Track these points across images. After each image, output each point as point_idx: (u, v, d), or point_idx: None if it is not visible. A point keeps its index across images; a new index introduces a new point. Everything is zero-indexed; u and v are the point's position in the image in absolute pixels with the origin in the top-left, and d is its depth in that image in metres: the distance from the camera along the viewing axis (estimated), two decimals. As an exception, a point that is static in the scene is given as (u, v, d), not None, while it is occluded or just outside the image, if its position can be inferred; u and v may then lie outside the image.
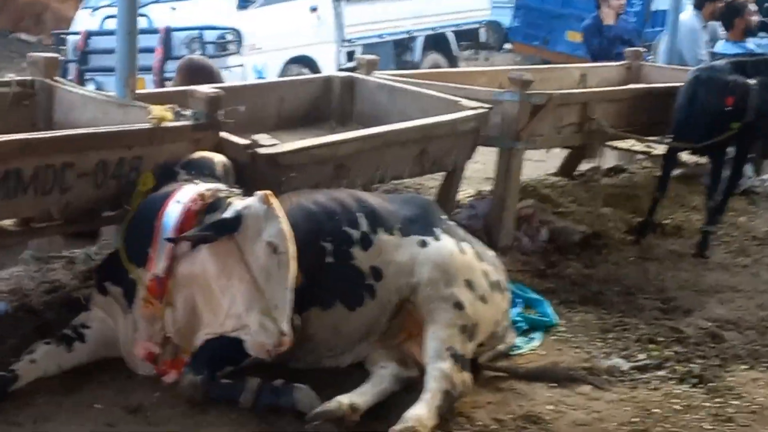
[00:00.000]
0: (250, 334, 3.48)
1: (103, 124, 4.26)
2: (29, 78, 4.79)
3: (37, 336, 3.82)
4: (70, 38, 9.50)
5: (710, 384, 4.19)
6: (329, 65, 9.81)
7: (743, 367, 4.42)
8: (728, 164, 6.23)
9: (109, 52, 8.10)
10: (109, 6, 9.02)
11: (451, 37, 11.87)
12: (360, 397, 3.63)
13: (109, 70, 8.12)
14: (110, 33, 7.94)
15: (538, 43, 13.75)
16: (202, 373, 3.58)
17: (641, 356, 4.45)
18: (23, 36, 13.61)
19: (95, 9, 9.73)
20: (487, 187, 6.06)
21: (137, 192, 3.94)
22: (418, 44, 11.36)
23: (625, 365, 4.34)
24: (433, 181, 6.13)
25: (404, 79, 6.12)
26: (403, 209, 4.13)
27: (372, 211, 4.01)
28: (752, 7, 8.46)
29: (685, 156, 6.89)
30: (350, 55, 10.11)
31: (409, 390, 3.73)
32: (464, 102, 5.37)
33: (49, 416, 3.47)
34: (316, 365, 3.86)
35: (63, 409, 3.52)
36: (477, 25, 12.55)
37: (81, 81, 8.55)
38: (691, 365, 4.37)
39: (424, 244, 3.98)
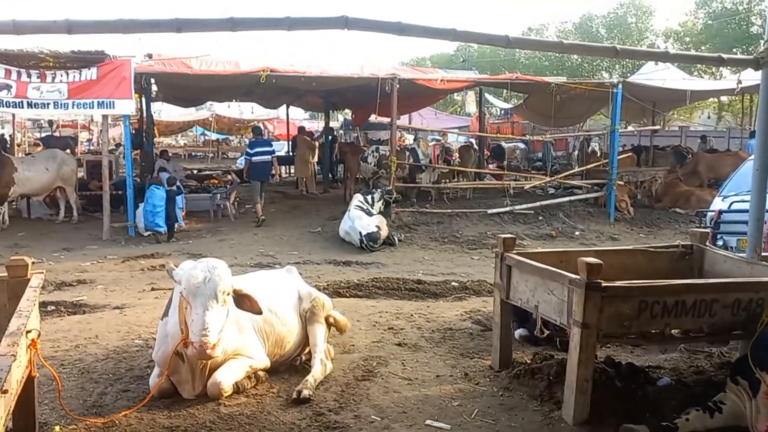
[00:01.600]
0: None
1: (736, 275, 3.89)
2: (689, 243, 4.61)
3: (689, 403, 3.53)
4: (709, 214, 8.88)
5: None
6: None
7: None
8: None
9: (734, 222, 7.43)
10: (735, 195, 8.25)
11: None
12: None
13: (732, 234, 7.43)
14: (736, 211, 7.29)
15: None
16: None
17: None
18: (678, 210, 13.20)
19: (725, 197, 9.00)
20: None
21: (762, 321, 3.48)
22: None
23: None
24: None
25: None
26: None
27: None
28: None
29: None
30: None
31: None
32: None
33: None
34: None
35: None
36: None
37: (714, 241, 7.90)
38: None
39: None
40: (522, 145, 20.94)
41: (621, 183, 13.26)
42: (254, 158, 12.55)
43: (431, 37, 4.14)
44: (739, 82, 11.03)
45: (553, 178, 14.10)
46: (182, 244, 10.33)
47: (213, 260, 3.64)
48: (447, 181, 14.54)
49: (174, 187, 10.99)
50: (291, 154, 18.47)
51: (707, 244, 4.63)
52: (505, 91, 17.69)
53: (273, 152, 12.98)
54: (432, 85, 12.71)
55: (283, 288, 4.48)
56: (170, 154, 17.15)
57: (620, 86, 12.55)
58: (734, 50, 27.67)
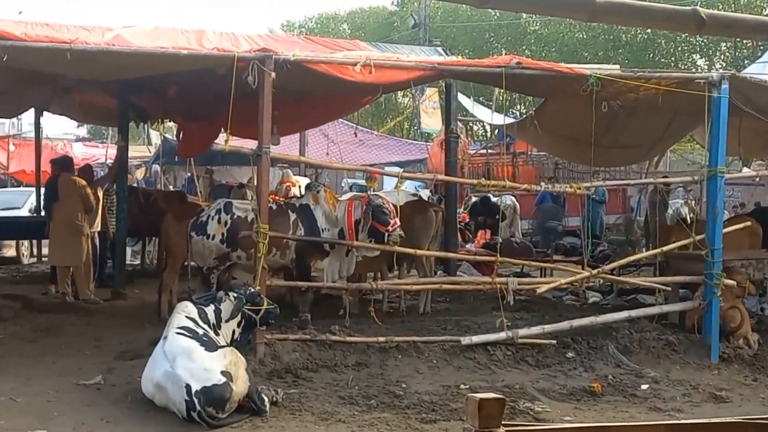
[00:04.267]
0: None
1: None
2: None
3: None
4: None
5: None
6: None
7: None
8: None
9: None
10: None
11: None
12: None
13: None
14: None
15: None
16: None
17: None
18: None
19: None
20: None
21: None
22: None
23: None
24: None
25: None
26: None
27: None
28: None
29: None
30: None
31: None
32: None
33: None
34: None
35: None
36: None
37: None
38: None
39: None
40: (510, 200, 21.43)
41: (732, 282, 13.66)
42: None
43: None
44: None
45: (595, 273, 14.41)
46: None
47: None
48: (375, 275, 14.60)
49: None
50: (41, 214, 18.16)
51: None
52: (497, 91, 18.12)
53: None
54: (347, 75, 12.90)
55: None
56: None
57: (725, 87, 13.12)
58: None
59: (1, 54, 11.02)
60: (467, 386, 11.02)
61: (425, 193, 24.25)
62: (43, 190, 19.17)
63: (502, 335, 12.50)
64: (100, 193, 17.00)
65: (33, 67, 13.01)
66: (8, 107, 20.27)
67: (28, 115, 22.04)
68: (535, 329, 12.81)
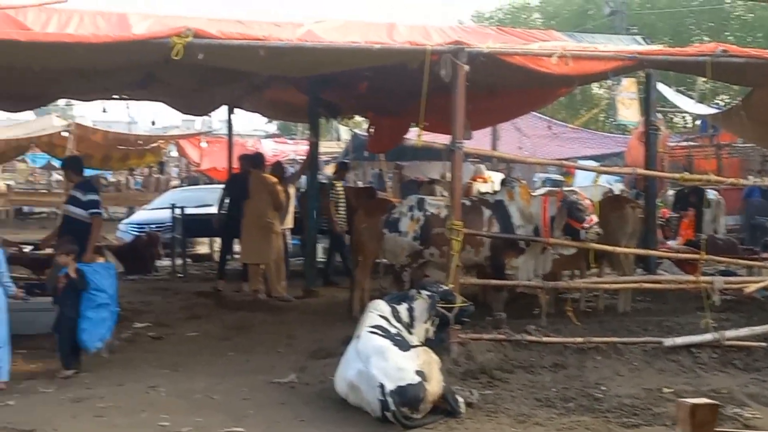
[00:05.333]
0: None
1: None
2: None
3: None
4: None
5: None
6: None
7: None
8: None
9: None
10: None
11: None
12: None
13: None
14: None
15: None
16: None
17: None
18: None
19: None
20: None
21: None
22: None
23: None
24: None
25: None
26: None
27: None
28: None
29: None
30: None
31: None
32: None
33: None
34: None
35: None
36: None
37: None
38: None
39: None
40: (713, 194, 21.02)
41: None
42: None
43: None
44: None
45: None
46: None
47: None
48: (574, 273, 14.50)
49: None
50: (222, 211, 18.55)
51: None
52: (700, 80, 17.84)
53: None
54: (543, 66, 12.85)
55: None
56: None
57: None
58: None
59: (199, 52, 11.40)
60: (671, 390, 10.87)
61: (618, 188, 24.00)
62: (224, 186, 19.31)
63: (708, 337, 12.31)
64: (291, 191, 17.38)
65: (226, 65, 13.35)
66: (201, 105, 20.90)
67: (218, 112, 22.65)
68: (744, 331, 12.56)
